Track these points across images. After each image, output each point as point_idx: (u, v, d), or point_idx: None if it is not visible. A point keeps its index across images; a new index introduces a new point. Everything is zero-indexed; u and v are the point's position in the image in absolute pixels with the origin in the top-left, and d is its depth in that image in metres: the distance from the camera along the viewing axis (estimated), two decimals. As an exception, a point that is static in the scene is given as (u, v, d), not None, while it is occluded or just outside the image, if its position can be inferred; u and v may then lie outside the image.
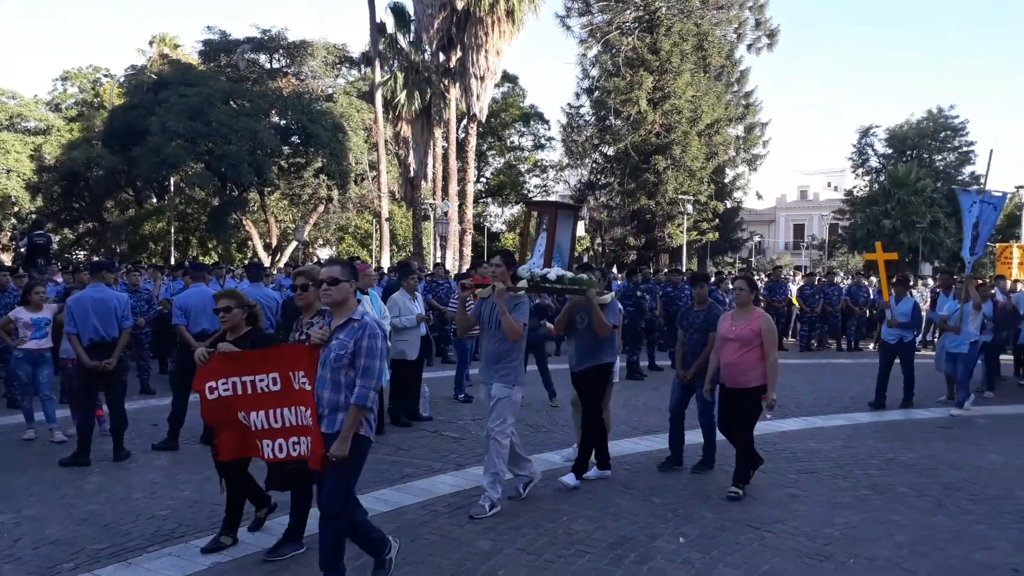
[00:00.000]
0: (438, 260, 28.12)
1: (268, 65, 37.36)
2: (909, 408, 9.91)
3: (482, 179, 48.67)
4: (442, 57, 29.99)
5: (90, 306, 6.93)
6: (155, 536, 5.06)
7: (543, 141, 48.43)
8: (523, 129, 48.81)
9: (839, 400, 10.33)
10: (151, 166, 27.62)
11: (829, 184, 64.94)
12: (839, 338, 17.34)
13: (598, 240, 46.29)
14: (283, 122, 31.81)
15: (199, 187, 31.72)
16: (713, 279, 18.06)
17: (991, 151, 12.09)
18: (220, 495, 4.94)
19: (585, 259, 47.84)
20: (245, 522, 5.09)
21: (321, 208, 36.05)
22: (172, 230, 33.26)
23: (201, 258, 35.22)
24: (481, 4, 26.58)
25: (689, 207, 33.50)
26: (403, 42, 31.45)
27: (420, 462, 6.99)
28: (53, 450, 7.24)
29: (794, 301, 17.85)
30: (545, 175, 50.31)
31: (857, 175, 50.27)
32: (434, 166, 31.28)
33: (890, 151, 51.42)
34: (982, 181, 45.89)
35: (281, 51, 36.62)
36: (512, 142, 49.45)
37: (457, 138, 30.83)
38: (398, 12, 31.07)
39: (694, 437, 7.08)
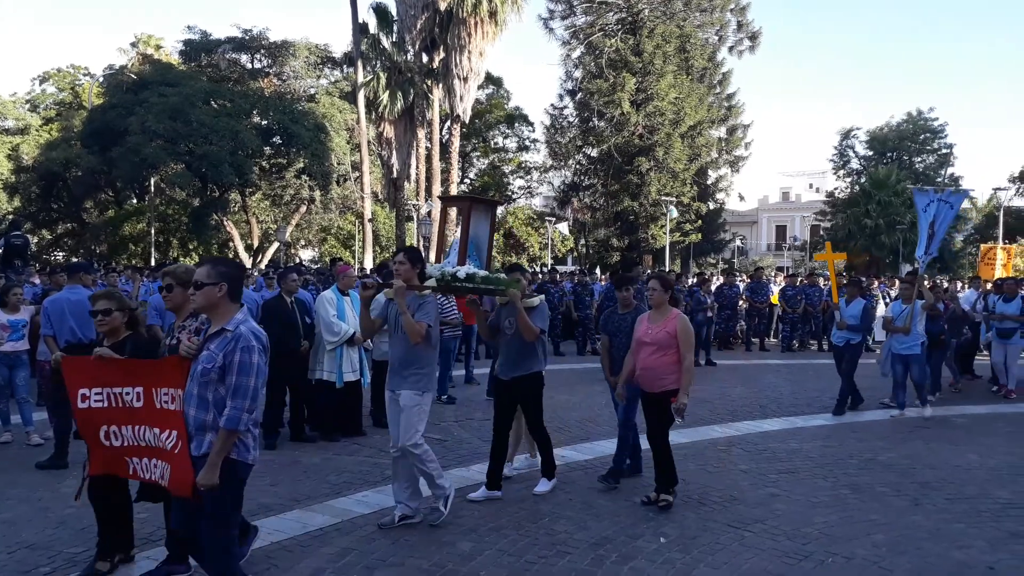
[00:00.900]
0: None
1: (249, 65, 37.14)
2: (840, 415, 9.47)
3: (466, 180, 48.61)
4: (425, 58, 29.96)
5: (67, 308, 6.86)
6: (134, 540, 4.99)
7: (527, 143, 48.50)
8: (507, 130, 48.82)
9: (820, 400, 10.40)
10: (131, 166, 27.40)
11: (811, 186, 65.51)
12: (820, 339, 17.47)
13: (582, 241, 46.42)
14: (264, 122, 31.63)
15: (179, 188, 31.49)
16: (695, 280, 18.18)
17: (951, 147, 12.10)
18: (75, 503, 4.48)
19: (569, 261, 48.03)
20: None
21: (303, 209, 35.88)
22: (152, 231, 33.00)
23: (182, 259, 34.96)
24: (464, 5, 26.56)
25: (674, 210, 33.64)
26: (386, 42, 31.37)
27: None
28: (30, 453, 7.15)
29: (775, 302, 17.96)
30: (529, 176, 50.38)
31: (838, 177, 50.78)
32: (417, 167, 31.23)
33: (871, 153, 51.96)
34: (960, 183, 46.48)
35: (262, 51, 36.42)
36: (496, 143, 49.44)
37: (440, 139, 30.79)
38: (380, 12, 30.99)
39: (676, 442, 7.06)
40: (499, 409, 6.10)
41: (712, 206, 41.46)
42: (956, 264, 45.64)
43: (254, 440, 3.72)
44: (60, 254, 39.95)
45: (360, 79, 29.68)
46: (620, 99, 35.06)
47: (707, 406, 10.24)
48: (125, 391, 4.02)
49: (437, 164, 29.96)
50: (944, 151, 50.76)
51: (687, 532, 5.27)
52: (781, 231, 66.77)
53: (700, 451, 7.72)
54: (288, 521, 5.36)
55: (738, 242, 56.38)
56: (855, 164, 52.37)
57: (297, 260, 39.85)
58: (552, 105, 40.79)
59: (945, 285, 16.20)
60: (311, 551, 4.86)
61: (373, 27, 31.18)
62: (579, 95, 38.62)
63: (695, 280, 17.96)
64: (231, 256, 35.18)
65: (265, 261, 33.82)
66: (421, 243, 30.53)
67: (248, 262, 32.43)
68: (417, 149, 31.14)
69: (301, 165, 31.97)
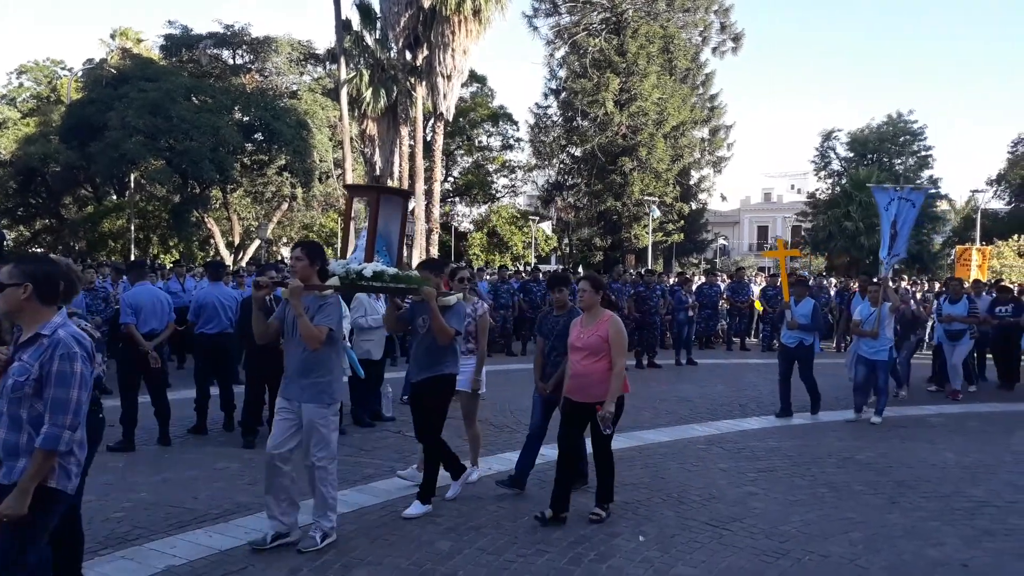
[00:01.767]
0: (404, 259, 27.96)
1: (231, 61, 36.86)
2: (817, 415, 9.48)
3: (450, 178, 48.52)
4: (409, 55, 29.81)
5: (42, 304, 6.76)
6: (108, 539, 4.95)
7: (511, 141, 48.48)
8: (491, 129, 48.77)
9: (798, 399, 10.43)
10: (110, 162, 27.11)
11: (792, 187, 65.96)
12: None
13: (565, 241, 46.48)
14: (246, 119, 31.40)
15: (160, 184, 31.18)
16: (677, 280, 18.25)
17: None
18: None
19: (552, 260, 48.09)
20: (216, 522, 5.00)
21: (285, 206, 35.66)
22: (132, 227, 32.65)
23: (162, 256, 34.66)
24: (447, 3, 26.46)
25: (656, 210, 33.77)
26: (369, 39, 31.19)
27: (382, 463, 6.95)
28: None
29: (756, 305, 18.07)
30: (513, 175, 50.38)
31: (819, 178, 51.11)
32: (400, 165, 31.08)
33: (851, 155, 52.37)
34: (939, 184, 46.60)
35: (244, 47, 36.16)
36: (480, 142, 49.38)
37: (424, 137, 30.71)
38: (364, 9, 30.82)
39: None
40: (416, 416, 5.75)
41: (694, 206, 41.67)
42: (935, 265, 46.14)
43: (78, 466, 3.18)
44: (38, 250, 39.46)
45: (343, 76, 29.53)
46: (604, 99, 35.15)
47: (688, 405, 10.31)
48: None
49: (420, 162, 29.85)
50: (924, 153, 51.23)
51: (666, 531, 5.29)
52: (763, 231, 67.15)
53: (680, 449, 7.76)
54: (266, 520, 5.31)
55: (720, 242, 56.69)
56: (836, 165, 52.73)
57: (279, 257, 39.58)
58: (536, 104, 40.91)
59: (904, 285, 16.38)
60: (289, 550, 4.82)
61: (356, 24, 31.00)
62: (563, 94, 38.69)
63: (676, 280, 18.04)
64: (212, 253, 34.93)
65: (246, 258, 33.58)
66: (404, 241, 30.45)
67: (229, 259, 32.18)
68: (400, 147, 31.00)
69: (283, 162, 31.78)
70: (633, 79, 35.45)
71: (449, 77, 27.75)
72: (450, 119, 31.18)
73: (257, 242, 35.80)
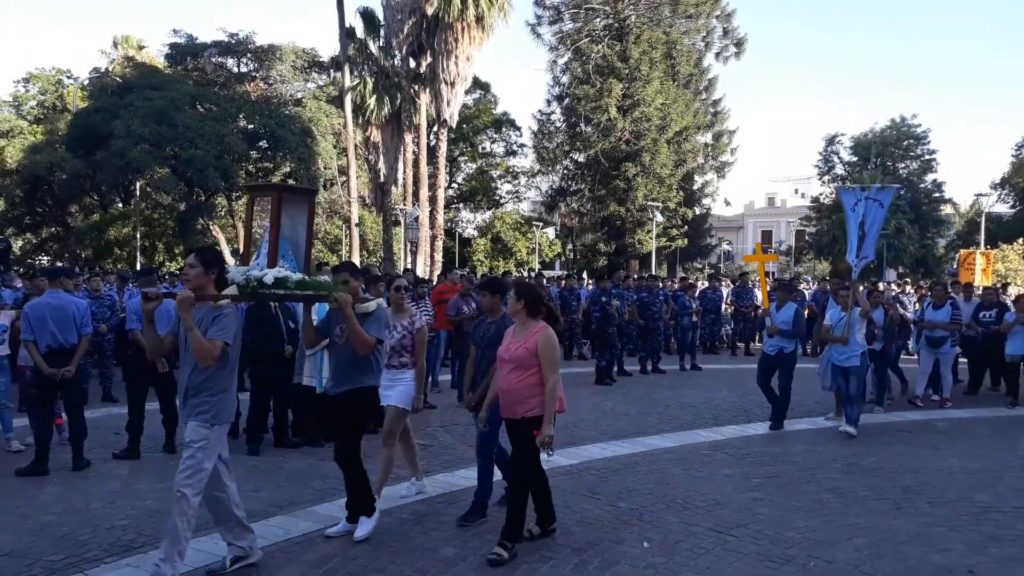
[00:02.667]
0: (408, 266, 28.00)
1: (236, 69, 37.04)
2: (779, 429, 9.01)
3: (453, 184, 48.64)
4: (412, 62, 29.92)
5: (47, 313, 6.80)
6: (113, 547, 4.97)
7: (515, 147, 48.61)
8: (495, 135, 48.90)
9: (803, 404, 10.43)
10: (115, 170, 27.25)
11: (796, 191, 65.97)
12: (805, 343, 17.54)
13: (569, 246, 46.52)
14: (251, 126, 31.54)
15: (165, 192, 31.32)
16: (679, 284, 18.23)
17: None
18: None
19: (557, 265, 48.11)
20: (209, 533, 5.01)
21: (290, 213, 35.72)
22: (138, 235, 32.77)
23: (168, 264, 34.76)
24: (451, 10, 26.56)
25: (659, 214, 33.79)
26: (373, 47, 31.31)
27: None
28: (10, 459, 7.09)
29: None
30: (517, 181, 50.48)
31: (823, 182, 51.10)
32: (404, 171, 31.15)
33: (855, 159, 52.34)
34: (943, 188, 46.36)
35: (249, 55, 36.32)
36: (484, 148, 49.50)
37: (428, 143, 30.76)
38: (368, 17, 30.95)
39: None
40: (337, 434, 5.36)
41: (698, 211, 41.72)
42: (940, 270, 46.04)
43: None
44: (45, 258, 39.62)
45: (347, 83, 29.62)
46: (607, 105, 35.22)
47: (692, 410, 10.30)
48: None
49: (424, 168, 29.91)
50: (927, 157, 51.18)
51: (670, 537, 5.28)
52: (767, 236, 67.14)
53: (685, 455, 7.75)
54: (271, 527, 5.33)
55: (724, 247, 56.67)
56: (840, 170, 52.71)
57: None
58: (539, 110, 41.01)
59: (892, 288, 16.18)
60: (293, 557, 4.83)
61: (360, 32, 31.13)
62: (566, 100, 38.77)
63: (680, 285, 18.03)
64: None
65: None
66: (408, 248, 30.50)
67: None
68: (404, 154, 31.08)
69: (288, 169, 31.90)
70: (636, 85, 35.51)
71: (452, 84, 27.82)
72: (454, 125, 31.26)
73: (262, 249, 35.88)
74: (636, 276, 19.29)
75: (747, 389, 12.17)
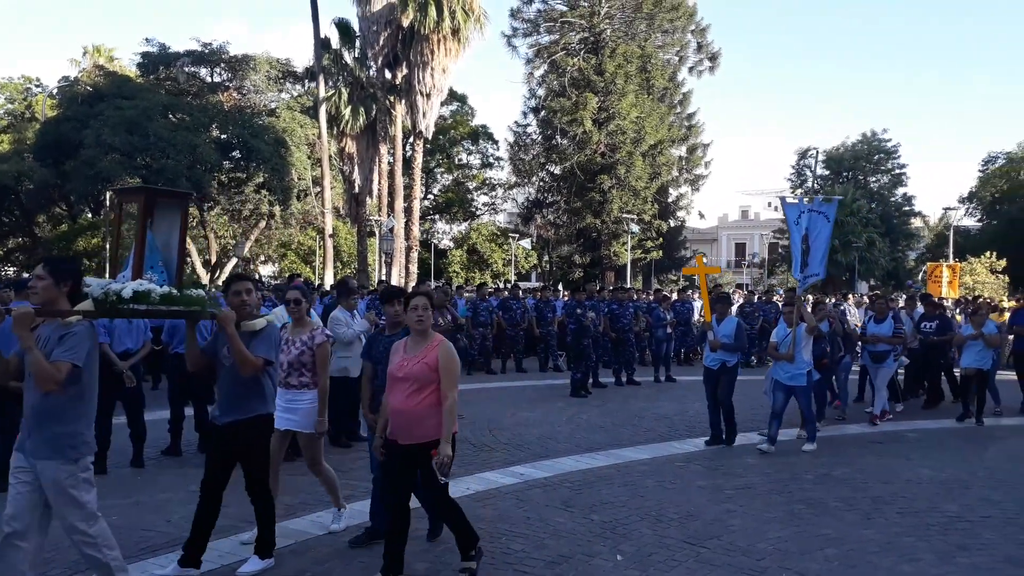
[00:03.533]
0: (383, 277, 27.89)
1: (209, 79, 36.72)
2: (731, 445, 8.75)
3: (429, 196, 48.57)
4: (388, 74, 29.91)
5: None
6: (77, 564, 4.85)
7: (491, 159, 48.68)
8: (471, 147, 48.96)
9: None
10: (85, 180, 26.84)
11: (769, 204, 66.52)
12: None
13: (545, 258, 46.61)
14: (224, 136, 31.26)
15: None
16: (653, 296, 18.33)
17: (816, 151, 10.75)
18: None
19: (533, 277, 48.20)
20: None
21: (263, 224, 35.46)
22: (107, 246, 32.29)
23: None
24: (426, 22, 26.62)
25: (634, 226, 33.99)
26: (348, 58, 31.27)
27: (359, 483, 6.88)
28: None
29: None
30: (493, 193, 50.54)
31: (796, 196, 51.77)
32: (379, 182, 31.09)
33: (827, 172, 53.14)
34: (914, 202, 47.05)
35: (222, 65, 36.04)
36: (460, 160, 49.53)
37: (404, 155, 30.72)
38: (343, 28, 30.92)
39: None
40: (212, 463, 4.81)
41: (673, 224, 42.02)
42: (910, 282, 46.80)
43: None
44: (11, 269, 38.90)
45: (322, 94, 29.53)
46: (582, 117, 35.43)
47: (666, 422, 10.33)
48: None
49: (400, 180, 29.86)
50: (898, 171, 52.16)
51: (644, 549, 5.28)
52: (740, 248, 67.85)
53: (659, 467, 7.77)
54: (238, 543, 5.24)
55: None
56: (812, 183, 53.50)
57: (257, 276, 39.34)
58: (516, 122, 41.11)
59: (834, 301, 16.27)
60: (264, 573, 4.75)
61: (335, 42, 31.08)
62: (542, 113, 38.95)
63: (654, 297, 18.12)
64: (188, 272, 34.61)
65: (223, 277, 33.32)
66: (383, 259, 30.39)
67: (205, 278, 31.93)
68: (379, 165, 31.02)
69: (261, 180, 31.62)
70: (611, 98, 35.78)
71: (428, 95, 27.86)
72: (429, 137, 31.28)
73: (234, 260, 35.55)
74: (610, 288, 19.36)
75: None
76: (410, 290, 5.94)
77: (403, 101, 28.97)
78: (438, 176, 49.78)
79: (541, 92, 39.15)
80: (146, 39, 38.64)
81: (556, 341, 16.66)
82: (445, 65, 27.82)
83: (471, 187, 50.31)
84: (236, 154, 31.58)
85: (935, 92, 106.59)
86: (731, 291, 28.65)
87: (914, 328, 11.65)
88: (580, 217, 37.41)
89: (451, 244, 52.10)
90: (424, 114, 28.08)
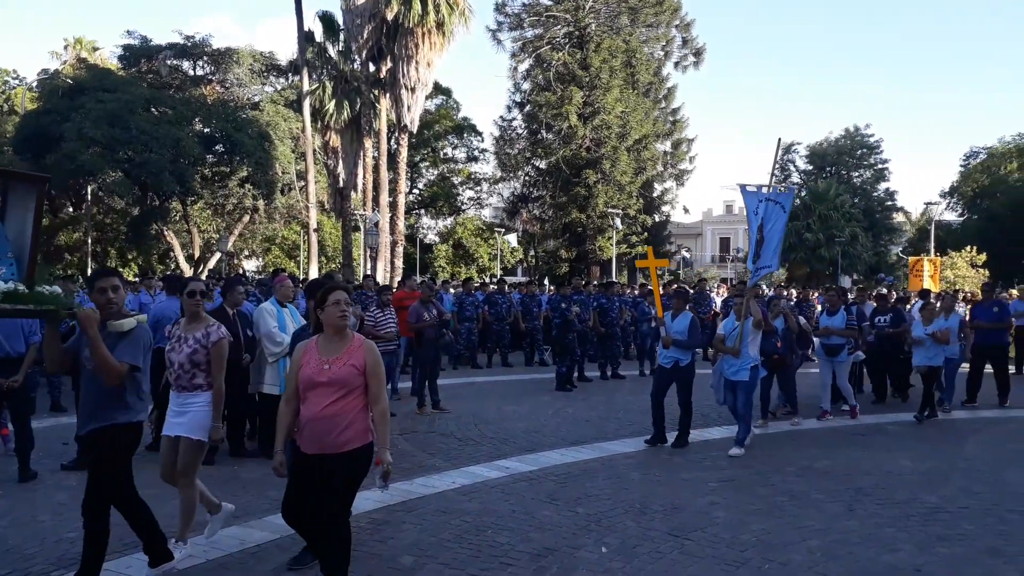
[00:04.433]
0: (368, 272, 27.82)
1: (192, 72, 36.44)
2: (685, 447, 8.35)
3: (415, 190, 48.45)
4: (372, 67, 29.77)
5: (-7, 320, 6.58)
6: (61, 560, 4.84)
7: (476, 153, 48.63)
8: (456, 141, 48.88)
9: (759, 409, 10.56)
10: (66, 173, 26.58)
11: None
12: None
13: (531, 252, 46.65)
14: (207, 130, 31.05)
15: (118, 196, 30.66)
16: (638, 291, 18.39)
17: (779, 140, 10.16)
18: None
19: (519, 272, 48.22)
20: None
21: (246, 218, 35.28)
22: (89, 241, 32.02)
23: (121, 270, 34.00)
24: (411, 15, 26.50)
25: (620, 222, 34.08)
26: (332, 51, 31.12)
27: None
28: (-48, 472, 6.85)
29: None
30: (479, 187, 50.49)
31: (779, 191, 52.08)
32: (364, 177, 30.98)
33: (811, 167, 53.49)
34: (896, 197, 47.47)
35: (205, 58, 35.77)
36: (445, 154, 49.43)
37: (388, 149, 30.62)
38: (327, 21, 30.76)
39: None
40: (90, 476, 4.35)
41: (658, 218, 42.15)
42: (894, 275, 47.24)
43: None
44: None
45: (306, 88, 29.37)
46: (568, 112, 35.45)
47: (650, 416, 10.34)
48: None
49: (385, 174, 29.76)
50: (880, 166, 52.59)
51: (628, 541, 5.31)
52: (725, 243, 68.14)
53: (643, 460, 7.82)
54: (225, 537, 5.23)
55: (683, 254, 57.30)
56: (796, 178, 53.84)
57: (241, 271, 39.12)
58: (501, 116, 41.10)
59: (791, 295, 16.07)
60: (248, 568, 4.76)
61: (319, 35, 30.93)
62: (527, 107, 38.95)
63: (639, 291, 18.17)
64: (172, 267, 34.36)
65: (206, 272, 33.11)
66: (368, 254, 30.29)
67: (189, 272, 31.70)
68: (364, 159, 30.90)
69: (244, 174, 31.45)
70: (596, 93, 35.81)
71: (413, 89, 27.76)
72: (414, 131, 31.18)
73: (218, 255, 35.34)
74: (596, 283, 19.41)
75: (705, 394, 12.26)
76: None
77: (388, 95, 28.86)
78: (423, 170, 49.68)
79: (526, 86, 39.18)
80: (127, 32, 38.35)
81: (542, 335, 16.70)
82: (430, 59, 27.73)
83: (456, 182, 50.25)
84: (219, 148, 31.38)
85: (917, 88, 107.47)
86: (715, 285, 28.83)
87: (868, 322, 11.33)
88: (565, 212, 37.46)
89: (436, 239, 52.06)
90: (409, 108, 27.98)
